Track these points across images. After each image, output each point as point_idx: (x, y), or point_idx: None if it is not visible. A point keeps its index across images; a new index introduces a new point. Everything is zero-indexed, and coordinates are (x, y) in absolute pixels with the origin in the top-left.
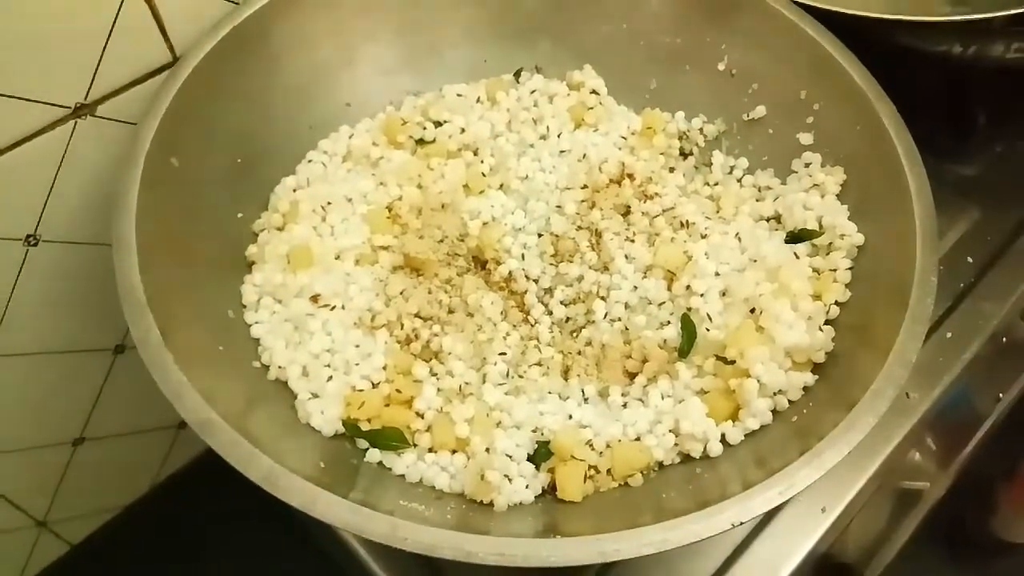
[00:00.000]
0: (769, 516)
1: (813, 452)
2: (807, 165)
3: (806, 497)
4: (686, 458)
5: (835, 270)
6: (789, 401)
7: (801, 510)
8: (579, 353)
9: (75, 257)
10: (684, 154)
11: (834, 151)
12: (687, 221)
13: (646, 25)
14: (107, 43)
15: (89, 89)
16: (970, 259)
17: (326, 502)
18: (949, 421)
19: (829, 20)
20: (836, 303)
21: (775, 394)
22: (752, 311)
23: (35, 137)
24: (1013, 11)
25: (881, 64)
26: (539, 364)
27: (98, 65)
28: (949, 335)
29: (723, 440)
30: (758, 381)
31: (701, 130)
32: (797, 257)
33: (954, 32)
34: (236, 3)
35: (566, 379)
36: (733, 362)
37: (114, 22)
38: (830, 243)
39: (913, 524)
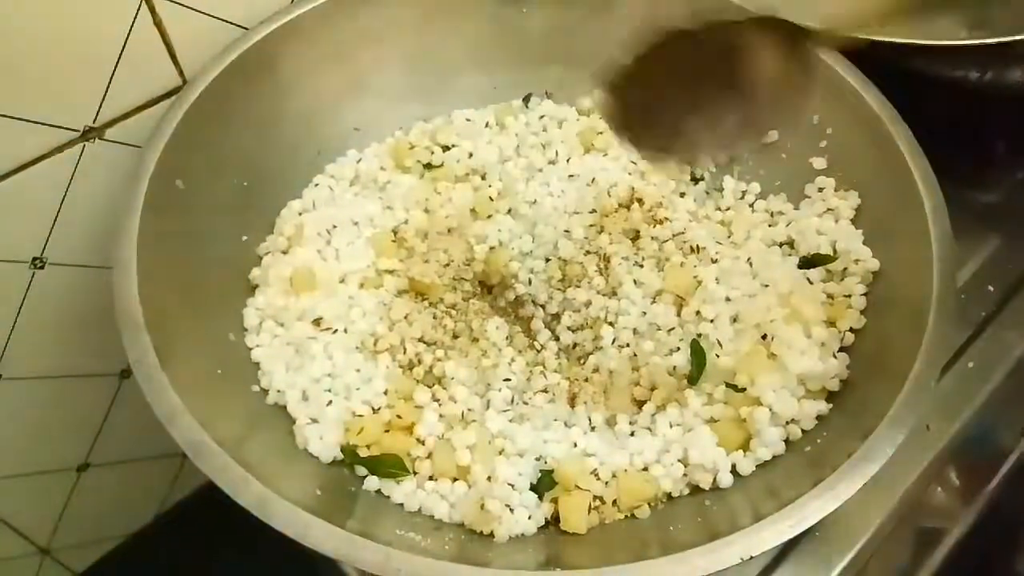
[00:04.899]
0: (784, 552)
1: (826, 483)
2: (820, 190)
3: (823, 531)
4: (695, 489)
5: (849, 296)
6: (802, 431)
7: (817, 545)
8: (586, 380)
9: (81, 281)
10: (695, 179)
11: (848, 175)
12: (697, 246)
13: None
14: (116, 67)
15: (98, 112)
16: (991, 288)
17: (319, 531)
18: (972, 455)
19: None
20: (851, 330)
21: (787, 423)
22: (763, 337)
23: (43, 159)
24: None
25: (898, 90)
26: (545, 391)
27: (107, 89)
28: (970, 365)
29: (734, 471)
30: (770, 409)
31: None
32: (810, 283)
33: (971, 57)
34: (246, 29)
35: (572, 406)
36: (744, 389)
37: (124, 46)
38: (844, 268)
39: (936, 563)
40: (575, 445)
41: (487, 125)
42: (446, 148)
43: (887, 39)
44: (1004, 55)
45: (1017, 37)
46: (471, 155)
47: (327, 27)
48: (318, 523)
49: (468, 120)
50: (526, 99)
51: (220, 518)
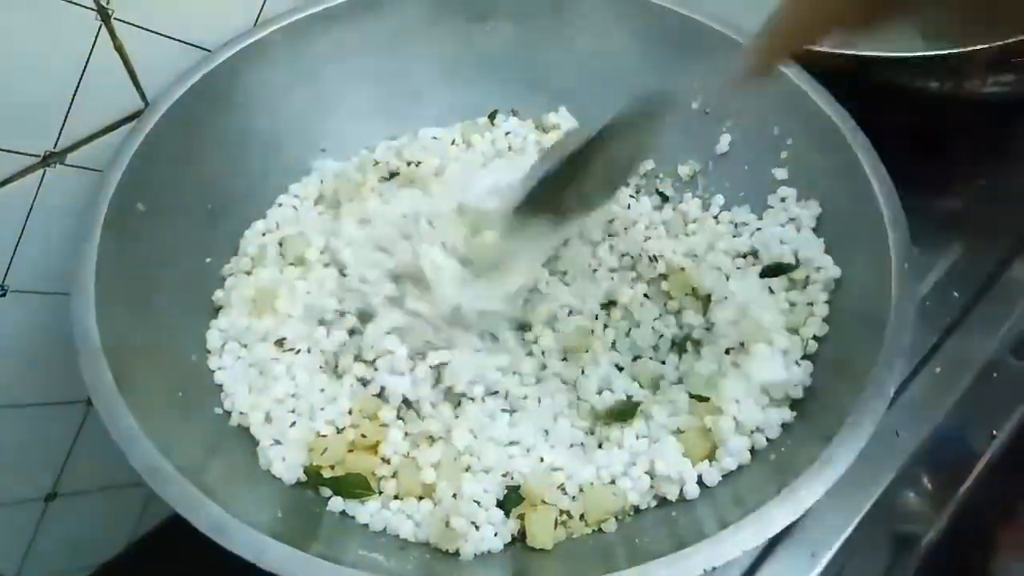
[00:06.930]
0: (759, 560)
1: (789, 490)
2: (783, 200)
3: (794, 541)
4: (662, 501)
5: (812, 304)
6: (767, 439)
7: (789, 555)
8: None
9: (44, 307)
10: (662, 196)
11: (809, 185)
12: (656, 256)
13: (619, 66)
14: (76, 91)
15: (58, 137)
16: (956, 293)
17: (277, 553)
18: (942, 460)
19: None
20: (814, 337)
21: (752, 432)
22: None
23: (3, 186)
24: (985, 46)
25: (859, 101)
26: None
27: (67, 113)
28: (938, 371)
29: (700, 482)
30: (734, 419)
31: (676, 169)
32: (772, 292)
33: (930, 68)
34: (208, 51)
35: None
36: (708, 399)
37: (84, 70)
38: (807, 277)
39: (911, 568)
40: (542, 460)
41: (453, 142)
42: (412, 165)
43: (848, 52)
44: (960, 66)
45: (971, 48)
46: (437, 173)
47: (291, 48)
48: (276, 546)
49: (434, 138)
50: (492, 116)
51: (191, 546)
